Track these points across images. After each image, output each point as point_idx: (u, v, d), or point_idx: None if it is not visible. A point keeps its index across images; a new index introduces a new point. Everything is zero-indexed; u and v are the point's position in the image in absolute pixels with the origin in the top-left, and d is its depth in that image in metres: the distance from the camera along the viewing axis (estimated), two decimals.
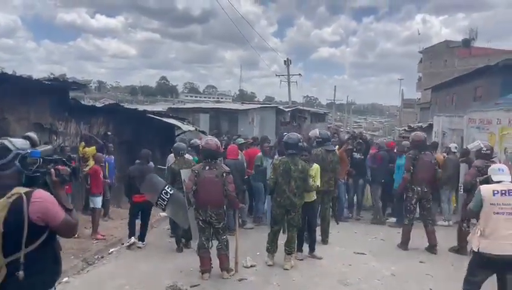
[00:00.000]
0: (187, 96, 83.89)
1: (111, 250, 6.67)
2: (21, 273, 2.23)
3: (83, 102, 10.41)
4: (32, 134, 2.82)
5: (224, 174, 5.39)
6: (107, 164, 8.32)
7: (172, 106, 25.03)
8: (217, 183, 5.35)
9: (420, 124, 22.39)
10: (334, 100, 62.54)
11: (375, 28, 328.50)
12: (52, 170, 2.42)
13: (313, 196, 6.31)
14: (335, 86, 70.20)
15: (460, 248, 6.57)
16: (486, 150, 6.56)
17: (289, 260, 5.86)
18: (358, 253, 6.66)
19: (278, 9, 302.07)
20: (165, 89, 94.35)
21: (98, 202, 7.36)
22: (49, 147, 2.61)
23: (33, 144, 2.53)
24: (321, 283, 5.40)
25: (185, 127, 11.84)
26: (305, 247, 6.43)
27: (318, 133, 7.36)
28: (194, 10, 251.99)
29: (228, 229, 6.47)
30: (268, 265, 5.91)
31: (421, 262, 6.30)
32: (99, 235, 7.13)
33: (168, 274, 5.54)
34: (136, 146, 9.38)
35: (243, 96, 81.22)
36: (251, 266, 5.84)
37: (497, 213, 4.02)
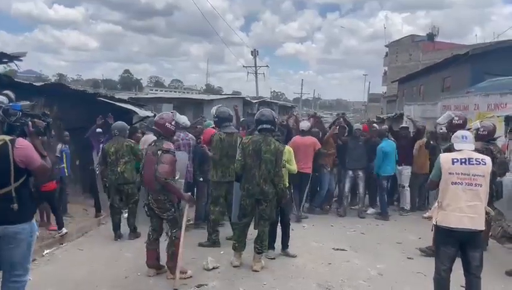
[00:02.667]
0: (152, 90, 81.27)
1: (45, 252, 5.53)
2: (15, 205, 2.82)
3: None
4: (9, 92, 3.13)
5: (159, 152, 4.38)
6: (64, 155, 7.37)
7: (134, 96, 23.62)
8: (151, 162, 4.43)
9: (390, 114, 22.05)
10: (301, 94, 62.38)
11: (339, 25, 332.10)
12: (30, 122, 2.93)
13: (286, 183, 5.39)
14: (302, 80, 70.39)
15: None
16: (458, 119, 5.68)
17: (259, 260, 4.91)
18: (337, 249, 5.83)
19: (243, 3, 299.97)
20: (129, 83, 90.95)
21: None
22: (27, 102, 3.10)
23: (10, 100, 2.97)
24: (297, 287, 4.49)
25: (142, 112, 10.65)
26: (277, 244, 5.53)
27: (214, 110, 6.03)
28: (157, 2, 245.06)
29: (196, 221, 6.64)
30: (234, 266, 4.95)
31: (409, 258, 5.55)
32: (52, 226, 6.55)
33: (108, 282, 4.46)
34: (85, 133, 8.15)
35: (209, 91, 79.43)
36: (213, 268, 4.84)
37: (455, 183, 3.68)
